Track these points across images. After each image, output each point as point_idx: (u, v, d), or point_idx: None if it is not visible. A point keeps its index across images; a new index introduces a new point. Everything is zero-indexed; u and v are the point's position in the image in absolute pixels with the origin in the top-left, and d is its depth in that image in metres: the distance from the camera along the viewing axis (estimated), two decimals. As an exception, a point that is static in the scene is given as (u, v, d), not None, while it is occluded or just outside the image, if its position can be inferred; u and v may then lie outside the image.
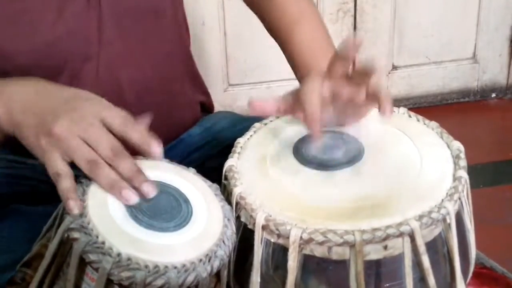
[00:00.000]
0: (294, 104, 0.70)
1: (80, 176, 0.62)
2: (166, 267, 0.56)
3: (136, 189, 0.61)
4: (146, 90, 0.88)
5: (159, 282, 0.55)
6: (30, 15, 0.78)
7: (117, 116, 0.63)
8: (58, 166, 0.60)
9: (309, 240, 0.60)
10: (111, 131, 0.62)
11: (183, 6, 0.96)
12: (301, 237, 0.60)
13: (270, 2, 0.87)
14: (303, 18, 0.85)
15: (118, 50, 0.84)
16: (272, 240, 0.63)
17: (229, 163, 0.71)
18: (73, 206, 0.58)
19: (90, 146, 0.61)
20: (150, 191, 0.61)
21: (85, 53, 0.82)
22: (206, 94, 1.02)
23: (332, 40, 0.85)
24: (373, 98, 0.67)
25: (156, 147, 0.63)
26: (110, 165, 0.61)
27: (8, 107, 0.66)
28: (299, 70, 0.82)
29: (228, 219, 0.64)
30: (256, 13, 0.92)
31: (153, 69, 0.89)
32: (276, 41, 0.88)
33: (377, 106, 0.66)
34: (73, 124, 0.61)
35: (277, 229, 0.61)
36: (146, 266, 0.55)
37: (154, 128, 0.87)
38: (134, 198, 0.60)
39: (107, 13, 0.82)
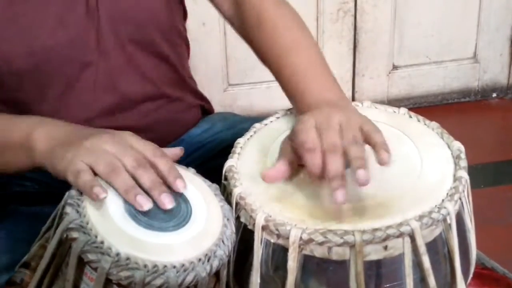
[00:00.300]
0: (296, 151, 0.68)
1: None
2: (165, 266, 0.56)
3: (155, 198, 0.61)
4: (145, 97, 0.89)
5: (158, 281, 0.55)
6: (30, 19, 0.78)
7: (147, 144, 0.64)
8: (77, 165, 0.60)
9: (309, 241, 0.60)
10: None
11: (182, 18, 0.95)
12: (301, 238, 0.60)
13: (261, 31, 0.84)
14: (295, 47, 0.81)
15: (116, 59, 0.84)
16: (272, 241, 0.63)
17: (229, 163, 0.70)
18: (100, 191, 0.58)
19: (115, 156, 0.61)
20: (167, 203, 0.60)
21: (83, 60, 0.83)
22: (204, 99, 1.02)
23: (328, 66, 0.81)
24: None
25: (181, 183, 0.63)
26: (132, 175, 0.61)
27: (49, 138, 0.66)
28: (293, 98, 0.78)
29: (228, 219, 0.64)
30: (248, 43, 0.89)
31: (151, 77, 0.89)
32: (268, 68, 0.85)
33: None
34: (103, 141, 0.62)
35: (277, 230, 0.61)
36: (145, 266, 0.55)
37: (154, 133, 0.88)
38: (148, 205, 0.59)
39: (105, 22, 0.83)
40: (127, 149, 0.62)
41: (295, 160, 0.68)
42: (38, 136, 0.67)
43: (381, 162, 0.63)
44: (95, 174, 0.60)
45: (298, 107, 0.76)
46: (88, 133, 0.65)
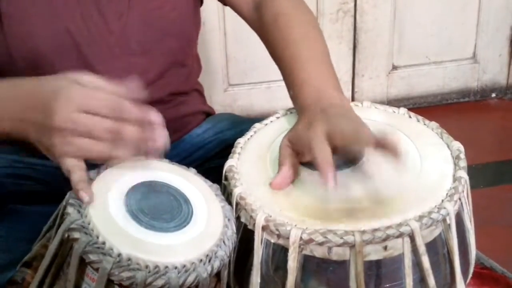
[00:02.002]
0: (296, 149, 0.69)
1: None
2: (167, 267, 0.56)
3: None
4: (154, 100, 0.89)
5: (160, 282, 0.55)
6: (61, 2, 0.80)
7: (99, 102, 0.61)
8: (67, 163, 0.60)
9: (309, 241, 0.60)
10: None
11: (198, 29, 0.97)
12: (301, 238, 0.60)
13: (275, 27, 0.86)
14: (302, 40, 0.83)
15: (137, 64, 0.85)
16: (272, 241, 0.63)
17: (229, 163, 0.71)
18: (83, 196, 0.59)
19: (88, 137, 0.60)
20: (162, 137, 0.62)
21: (100, 59, 0.83)
22: (210, 107, 1.03)
23: (330, 62, 0.82)
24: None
25: (155, 114, 0.63)
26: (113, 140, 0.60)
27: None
28: (292, 87, 0.79)
29: (229, 219, 0.64)
30: (264, 41, 0.90)
31: (167, 87, 0.90)
32: (276, 63, 0.86)
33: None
34: (61, 130, 0.60)
35: (277, 230, 0.61)
36: (147, 267, 0.55)
37: None
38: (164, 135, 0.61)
39: (132, 27, 0.84)
40: (94, 122, 0.60)
41: (297, 162, 0.69)
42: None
43: None
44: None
45: (297, 97, 0.77)
46: (43, 96, 0.63)
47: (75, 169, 0.60)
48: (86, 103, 0.60)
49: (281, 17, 0.86)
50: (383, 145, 0.64)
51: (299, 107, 0.75)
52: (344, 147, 0.66)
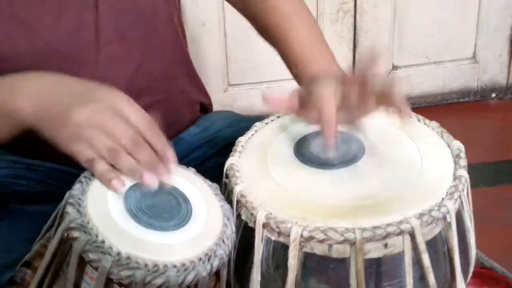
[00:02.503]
0: (303, 104, 0.71)
1: (80, 175, 0.62)
2: (166, 266, 0.56)
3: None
4: (145, 90, 0.88)
5: (159, 281, 0.55)
6: (28, 16, 0.78)
7: (137, 113, 0.64)
8: (87, 153, 0.61)
9: (310, 238, 0.60)
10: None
11: (178, 9, 0.95)
12: (301, 235, 0.60)
13: (264, 2, 0.86)
14: (296, 15, 0.85)
15: (115, 52, 0.84)
16: (273, 238, 0.63)
17: (230, 161, 0.71)
18: (118, 184, 0.60)
19: (109, 134, 0.62)
20: (167, 176, 0.62)
21: (83, 55, 0.83)
22: (206, 95, 1.02)
23: (323, 37, 0.85)
24: (383, 100, 0.66)
25: (172, 154, 0.64)
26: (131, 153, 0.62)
27: (34, 101, 0.66)
28: (296, 66, 0.81)
29: (228, 218, 0.64)
30: (246, 15, 0.90)
31: (151, 69, 0.89)
32: (267, 39, 0.87)
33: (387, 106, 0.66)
34: (93, 114, 0.62)
35: (278, 227, 0.61)
36: (146, 265, 0.55)
37: None
38: (155, 183, 0.61)
39: (104, 15, 0.83)
40: (123, 126, 0.62)
41: (298, 106, 0.71)
42: (20, 97, 0.66)
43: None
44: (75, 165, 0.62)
45: (303, 74, 0.79)
46: (77, 96, 0.65)
47: (96, 159, 0.61)
48: (108, 127, 0.62)
49: None
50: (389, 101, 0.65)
51: (308, 82, 0.76)
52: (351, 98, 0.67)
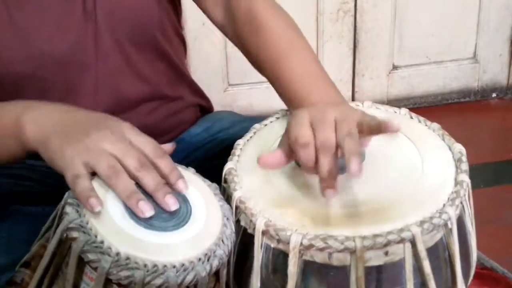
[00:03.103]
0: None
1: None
2: (165, 266, 0.56)
3: (159, 200, 0.60)
4: (144, 98, 0.89)
5: (158, 281, 0.55)
6: (26, 24, 0.78)
7: (148, 142, 0.63)
8: (76, 168, 0.59)
9: (310, 246, 0.59)
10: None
11: (176, 15, 0.94)
12: (301, 243, 0.59)
13: (257, 35, 0.82)
14: (291, 52, 0.79)
15: (115, 61, 0.85)
16: (272, 245, 0.62)
17: (228, 166, 0.70)
18: (95, 203, 0.57)
19: (116, 158, 0.60)
20: (172, 204, 0.60)
21: (82, 64, 0.83)
22: (204, 98, 1.02)
23: (323, 68, 0.80)
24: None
25: (182, 184, 0.62)
26: (134, 176, 0.60)
27: (39, 124, 0.65)
28: (291, 103, 0.77)
29: (227, 219, 0.63)
30: (239, 46, 0.87)
31: (150, 77, 0.89)
32: (263, 75, 0.83)
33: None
34: (103, 138, 0.61)
35: (277, 235, 0.61)
36: (145, 266, 0.55)
37: (154, 132, 0.88)
38: (150, 212, 0.59)
39: (102, 25, 0.83)
40: (128, 148, 0.61)
41: (292, 152, 0.67)
42: (27, 121, 0.65)
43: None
44: (94, 174, 0.60)
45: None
46: (84, 124, 0.64)
47: (82, 176, 0.59)
48: (116, 149, 0.60)
49: (261, 24, 0.82)
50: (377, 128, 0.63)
51: None
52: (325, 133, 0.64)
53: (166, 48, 0.90)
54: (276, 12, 0.84)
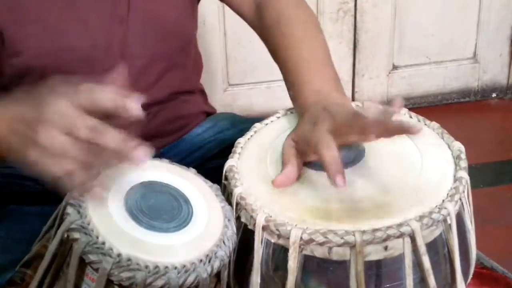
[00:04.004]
0: (303, 152, 0.68)
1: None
2: (166, 267, 0.56)
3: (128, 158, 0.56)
4: (157, 101, 0.89)
5: (159, 282, 0.55)
6: (55, 19, 0.80)
7: (77, 99, 0.58)
8: (54, 169, 0.57)
9: (310, 241, 0.60)
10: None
11: (196, 30, 0.97)
12: (301, 238, 0.60)
13: (278, 28, 0.85)
14: (305, 39, 0.82)
15: (139, 66, 0.85)
16: (273, 241, 0.63)
17: (229, 163, 0.70)
18: (99, 192, 0.57)
19: (69, 134, 0.56)
20: (142, 156, 0.56)
21: (106, 65, 0.83)
22: (211, 106, 1.04)
23: (331, 59, 0.82)
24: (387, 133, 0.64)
25: (134, 103, 0.59)
26: (94, 144, 0.56)
27: None
28: (292, 87, 0.79)
29: (229, 220, 0.64)
30: (265, 42, 0.89)
31: (170, 83, 0.90)
32: (276, 60, 0.85)
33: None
34: (52, 126, 0.57)
35: (278, 230, 0.61)
36: (146, 267, 0.55)
37: (158, 133, 0.88)
38: (146, 155, 0.56)
39: (133, 30, 0.84)
40: (74, 118, 0.56)
41: (300, 162, 0.68)
42: None
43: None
44: None
45: (297, 97, 0.77)
46: (24, 112, 0.60)
47: (66, 174, 0.57)
48: (67, 126, 0.57)
49: (283, 17, 0.85)
50: (388, 130, 0.62)
51: (300, 107, 0.75)
52: (350, 141, 0.66)
53: (186, 59, 0.93)
54: (299, 8, 0.88)
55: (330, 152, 0.63)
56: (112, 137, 0.56)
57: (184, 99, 0.94)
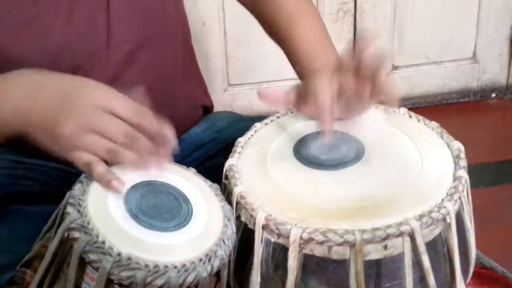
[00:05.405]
0: (301, 97, 0.72)
1: (80, 176, 0.62)
2: (166, 266, 0.56)
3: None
4: (151, 92, 0.89)
5: (159, 281, 0.55)
6: (41, 20, 0.79)
7: (124, 104, 0.64)
8: (84, 158, 0.62)
9: (309, 240, 0.60)
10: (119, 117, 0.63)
11: (183, 6, 0.96)
12: (301, 237, 0.60)
13: (272, 2, 0.88)
14: (301, 14, 0.87)
15: (126, 53, 0.85)
16: (272, 240, 0.63)
17: (229, 162, 0.71)
18: (117, 185, 0.60)
19: (103, 136, 0.62)
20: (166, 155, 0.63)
21: (94, 56, 0.83)
22: (208, 97, 1.03)
23: (328, 34, 0.87)
24: (378, 93, 0.67)
25: (169, 131, 0.64)
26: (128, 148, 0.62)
27: (14, 110, 0.66)
28: (299, 63, 0.83)
29: (228, 219, 0.64)
30: (255, 14, 0.93)
31: (161, 70, 0.89)
32: (274, 38, 0.89)
33: (382, 100, 0.68)
34: (81, 122, 0.62)
35: (277, 229, 0.61)
36: (146, 266, 0.55)
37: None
38: (160, 165, 0.63)
39: (115, 16, 0.83)
40: (113, 123, 0.62)
41: (294, 98, 0.72)
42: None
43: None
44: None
45: (304, 72, 0.81)
46: (61, 104, 0.64)
47: (94, 162, 0.61)
48: (98, 128, 0.62)
49: None
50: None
51: (307, 77, 0.77)
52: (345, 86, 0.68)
53: (179, 40, 0.92)
54: None
55: (323, 95, 0.67)
56: (152, 121, 0.63)
57: (179, 88, 0.94)
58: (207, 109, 1.02)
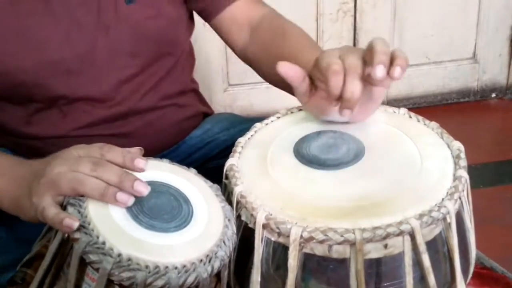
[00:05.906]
0: (313, 78, 0.72)
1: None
2: (167, 267, 0.56)
3: (128, 191, 0.58)
4: (152, 107, 0.89)
5: (160, 282, 0.55)
6: (36, 32, 0.79)
7: (92, 146, 0.61)
8: (42, 203, 0.58)
9: (310, 239, 0.60)
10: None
11: (190, 31, 0.97)
12: (301, 236, 0.60)
13: (283, 38, 0.89)
14: (288, 31, 0.89)
15: (126, 72, 0.85)
16: (273, 239, 0.63)
17: (230, 162, 0.71)
18: (69, 222, 0.56)
19: (71, 171, 0.59)
20: (143, 189, 0.58)
21: (93, 75, 0.83)
22: (208, 107, 1.04)
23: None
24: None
25: (140, 162, 0.60)
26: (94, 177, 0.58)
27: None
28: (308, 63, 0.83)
29: (229, 220, 0.64)
30: (253, 66, 0.96)
31: (163, 90, 0.90)
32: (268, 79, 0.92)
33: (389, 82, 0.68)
34: (53, 167, 0.59)
35: (278, 228, 0.61)
36: (147, 267, 0.55)
37: (159, 138, 0.89)
38: (131, 200, 0.58)
39: (120, 39, 0.83)
40: (77, 160, 0.59)
41: (307, 80, 0.72)
42: None
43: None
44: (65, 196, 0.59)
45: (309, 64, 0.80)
46: (33, 172, 0.62)
47: (48, 206, 0.58)
48: (75, 171, 0.59)
49: (285, 30, 0.90)
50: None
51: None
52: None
53: (177, 62, 0.92)
54: (289, 21, 0.92)
55: (332, 63, 0.66)
56: (112, 173, 0.58)
57: (180, 102, 0.94)
58: (207, 114, 1.03)
